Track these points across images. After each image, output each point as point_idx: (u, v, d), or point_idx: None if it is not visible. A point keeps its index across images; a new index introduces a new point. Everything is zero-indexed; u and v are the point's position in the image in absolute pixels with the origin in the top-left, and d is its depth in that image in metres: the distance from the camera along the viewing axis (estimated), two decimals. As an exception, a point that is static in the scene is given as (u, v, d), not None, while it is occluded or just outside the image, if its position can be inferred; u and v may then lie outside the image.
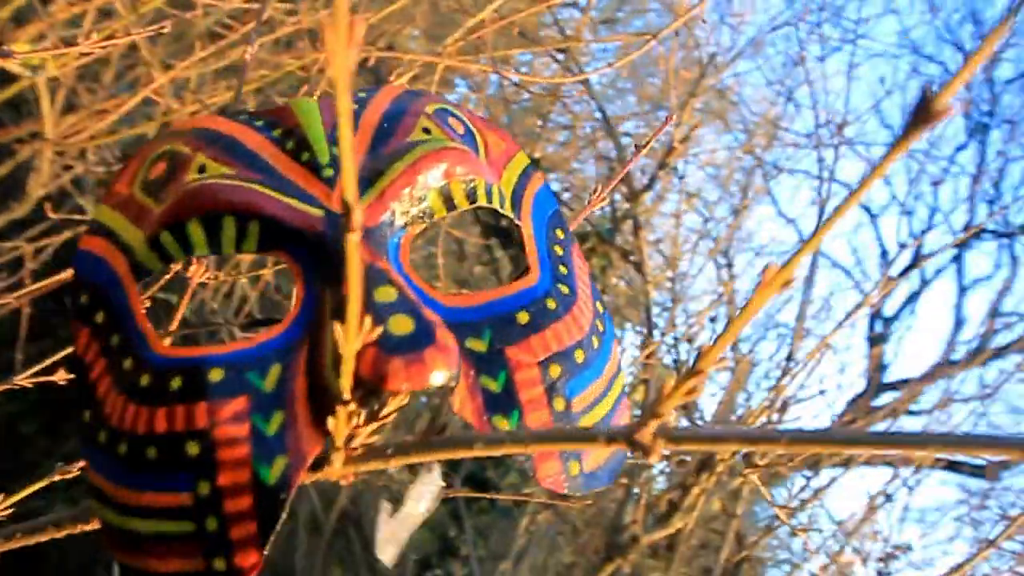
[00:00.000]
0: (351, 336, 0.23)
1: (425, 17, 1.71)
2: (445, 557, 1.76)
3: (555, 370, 0.31)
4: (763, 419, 1.65)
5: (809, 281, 1.90)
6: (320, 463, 0.28)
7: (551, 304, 0.32)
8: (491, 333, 0.31)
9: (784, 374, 1.65)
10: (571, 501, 1.87)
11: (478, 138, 0.35)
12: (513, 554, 1.74)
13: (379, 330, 0.26)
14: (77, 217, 1.22)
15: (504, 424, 0.30)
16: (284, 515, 0.27)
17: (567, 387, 0.31)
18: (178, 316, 0.34)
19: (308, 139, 0.32)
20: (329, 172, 0.31)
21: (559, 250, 0.35)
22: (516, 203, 0.35)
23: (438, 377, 0.26)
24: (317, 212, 0.30)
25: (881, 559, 1.85)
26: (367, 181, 0.31)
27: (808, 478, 1.92)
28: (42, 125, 1.24)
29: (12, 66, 1.13)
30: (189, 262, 0.40)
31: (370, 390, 0.25)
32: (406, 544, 0.31)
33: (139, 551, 0.27)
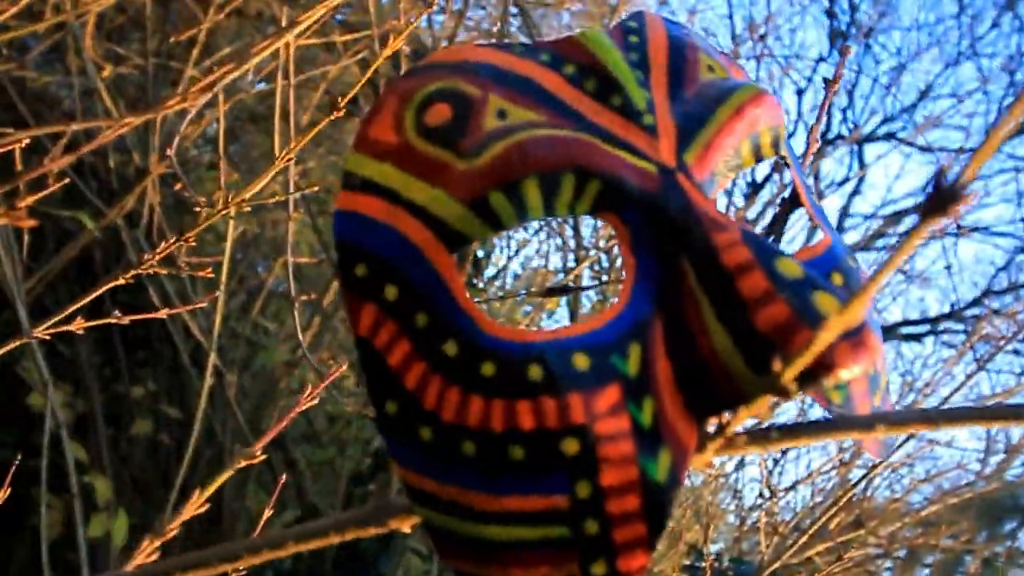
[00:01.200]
0: (837, 325, 0.20)
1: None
2: (376, 472, 1.75)
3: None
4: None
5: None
6: (697, 449, 0.25)
7: (852, 263, 0.30)
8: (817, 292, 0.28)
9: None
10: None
11: (731, 76, 0.32)
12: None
13: (793, 313, 0.23)
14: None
15: (836, 397, 0.28)
16: (672, 513, 0.24)
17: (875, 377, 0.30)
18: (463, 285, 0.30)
19: (616, 79, 0.27)
20: (649, 119, 0.27)
21: (816, 199, 0.33)
22: (768, 140, 0.32)
23: (875, 358, 0.23)
24: (650, 167, 0.26)
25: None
26: (687, 130, 0.27)
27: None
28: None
29: None
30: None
31: (809, 376, 0.23)
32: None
33: (495, 560, 0.24)
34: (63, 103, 1.63)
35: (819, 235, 0.31)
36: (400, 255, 0.26)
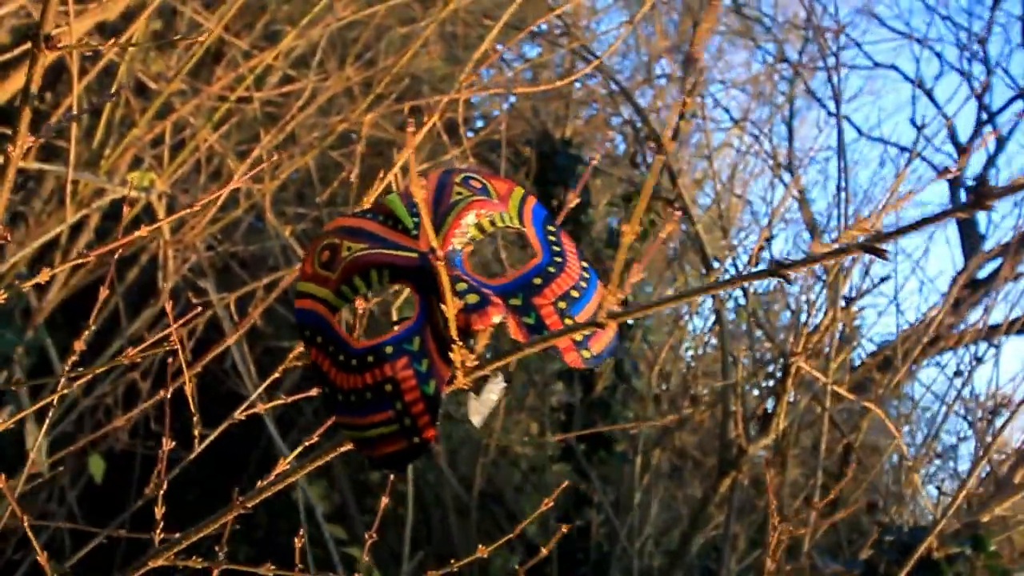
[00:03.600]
0: (451, 310, 0.51)
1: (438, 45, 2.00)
2: (580, 507, 2.04)
3: (562, 304, 0.59)
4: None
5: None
6: (451, 380, 0.56)
7: (552, 269, 0.60)
8: (522, 293, 0.58)
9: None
10: (678, 432, 2.12)
11: (489, 187, 0.63)
12: (639, 493, 2.02)
13: (462, 304, 0.54)
14: (203, 298, 1.55)
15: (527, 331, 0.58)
16: (441, 408, 0.55)
17: (570, 311, 0.59)
18: (357, 329, 0.63)
19: (399, 217, 0.60)
20: (415, 232, 0.59)
21: (552, 237, 0.63)
22: (520, 217, 0.63)
23: (496, 319, 0.54)
24: (413, 255, 0.58)
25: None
26: (437, 229, 0.59)
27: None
28: (159, 231, 1.57)
29: (131, 192, 1.46)
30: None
31: (465, 333, 0.53)
32: (487, 416, 0.58)
33: (373, 447, 0.56)
34: (269, 260, 2.14)
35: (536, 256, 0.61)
36: (319, 323, 0.59)
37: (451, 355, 0.55)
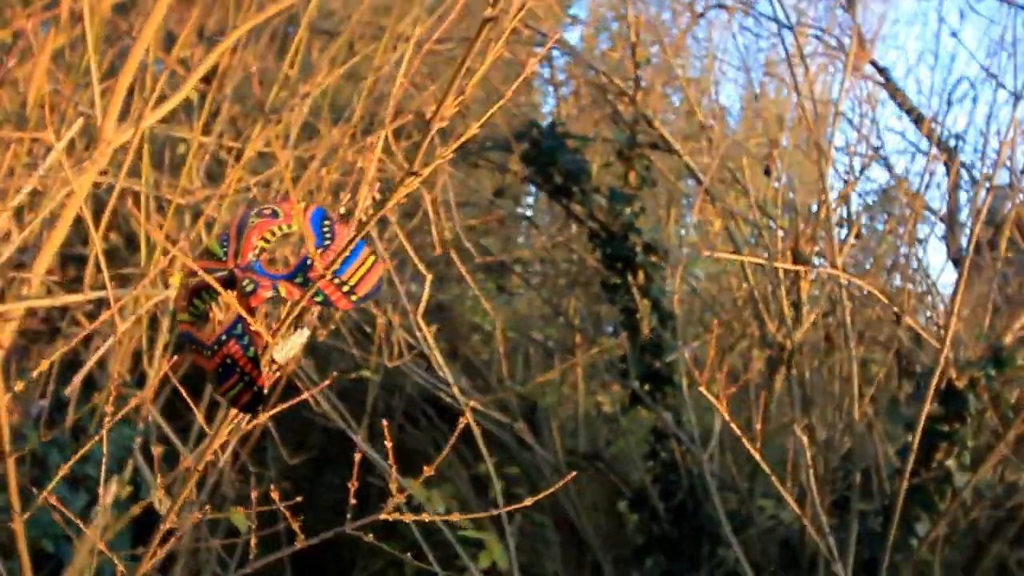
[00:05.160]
0: (229, 298, 0.82)
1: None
2: (662, 442, 2.28)
3: (328, 271, 0.88)
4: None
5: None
6: (266, 345, 0.86)
7: (320, 250, 0.89)
8: (301, 272, 0.88)
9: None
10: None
11: (279, 210, 0.94)
12: (692, 415, 2.22)
13: (237, 292, 0.84)
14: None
15: (318, 298, 0.87)
16: (263, 366, 0.85)
17: (338, 272, 0.88)
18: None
19: (215, 251, 0.91)
20: (224, 256, 0.90)
21: (326, 227, 0.92)
22: (300, 223, 0.93)
23: (266, 295, 0.84)
24: (226, 271, 0.89)
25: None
26: (237, 250, 0.90)
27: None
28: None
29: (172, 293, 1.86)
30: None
31: (251, 311, 0.84)
32: (291, 355, 0.87)
33: (236, 402, 0.88)
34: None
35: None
36: (190, 337, 0.91)
37: (258, 328, 0.85)
